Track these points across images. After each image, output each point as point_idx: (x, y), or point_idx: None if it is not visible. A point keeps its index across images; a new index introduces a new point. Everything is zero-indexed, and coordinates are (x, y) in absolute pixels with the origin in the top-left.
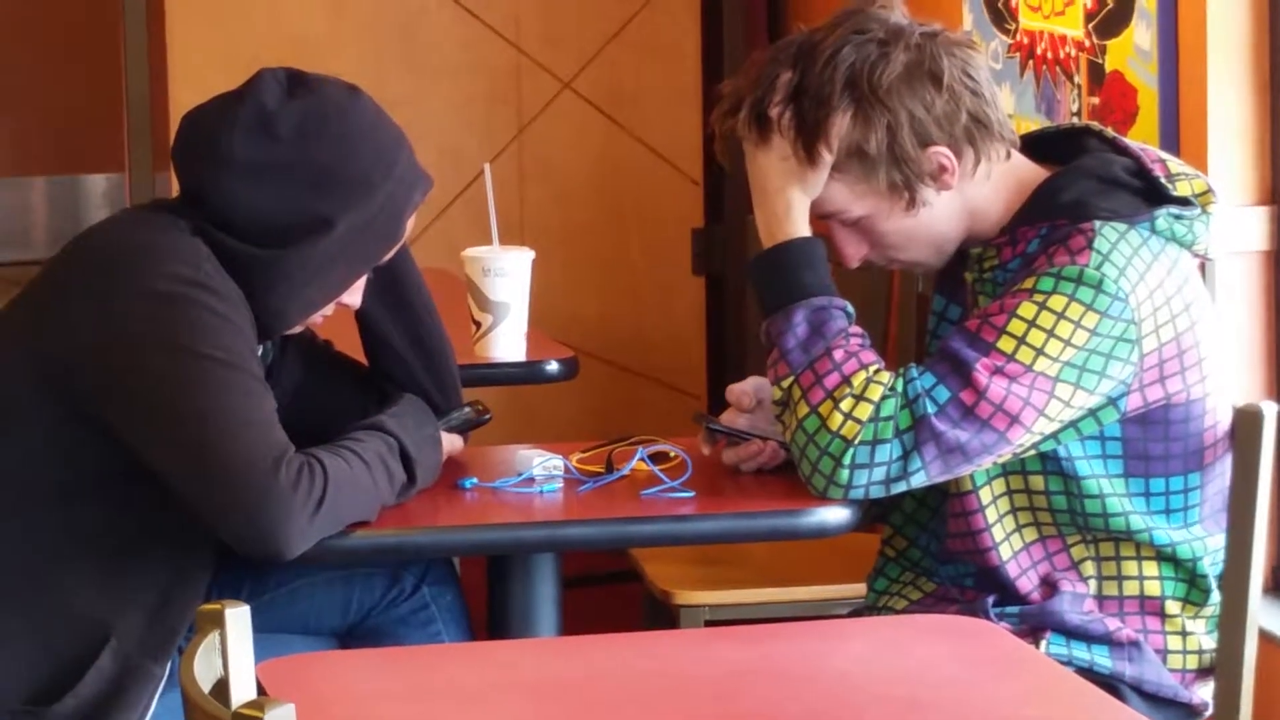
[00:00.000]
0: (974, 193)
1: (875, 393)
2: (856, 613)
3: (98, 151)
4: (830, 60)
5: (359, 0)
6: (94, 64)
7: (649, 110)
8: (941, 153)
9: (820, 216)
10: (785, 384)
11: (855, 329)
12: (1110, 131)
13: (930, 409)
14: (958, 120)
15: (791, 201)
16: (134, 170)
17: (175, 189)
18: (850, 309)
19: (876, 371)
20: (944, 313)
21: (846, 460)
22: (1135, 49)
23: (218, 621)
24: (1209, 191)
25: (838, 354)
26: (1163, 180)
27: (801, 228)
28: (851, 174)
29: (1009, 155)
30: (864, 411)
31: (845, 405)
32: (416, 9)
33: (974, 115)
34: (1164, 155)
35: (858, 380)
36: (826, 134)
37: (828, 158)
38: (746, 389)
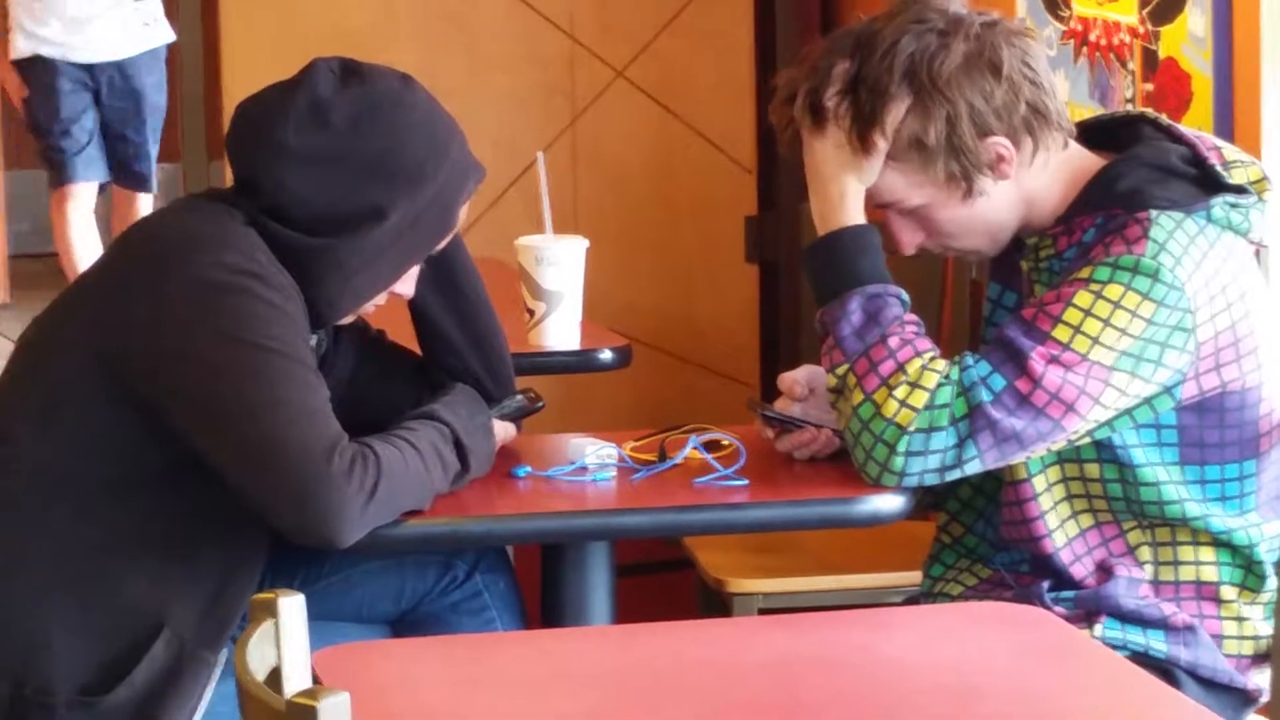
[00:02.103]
0: (1031, 182)
1: (930, 380)
2: (911, 600)
3: None
4: (889, 50)
5: None
6: None
7: (702, 98)
8: (1000, 143)
9: (877, 205)
10: (840, 371)
11: (910, 316)
12: (1165, 119)
13: (986, 396)
14: (1016, 110)
15: (846, 189)
16: (188, 160)
17: (229, 178)
18: (905, 296)
19: (932, 359)
20: (999, 300)
21: (901, 447)
22: (1189, 35)
23: (272, 611)
24: (1264, 179)
25: (893, 341)
26: (1218, 168)
27: (856, 215)
28: (909, 164)
29: (1066, 145)
30: (919, 399)
31: (900, 393)
32: (472, 1)
33: (1032, 105)
34: (1219, 142)
35: (913, 367)
36: (882, 123)
37: (883, 146)
38: (799, 377)
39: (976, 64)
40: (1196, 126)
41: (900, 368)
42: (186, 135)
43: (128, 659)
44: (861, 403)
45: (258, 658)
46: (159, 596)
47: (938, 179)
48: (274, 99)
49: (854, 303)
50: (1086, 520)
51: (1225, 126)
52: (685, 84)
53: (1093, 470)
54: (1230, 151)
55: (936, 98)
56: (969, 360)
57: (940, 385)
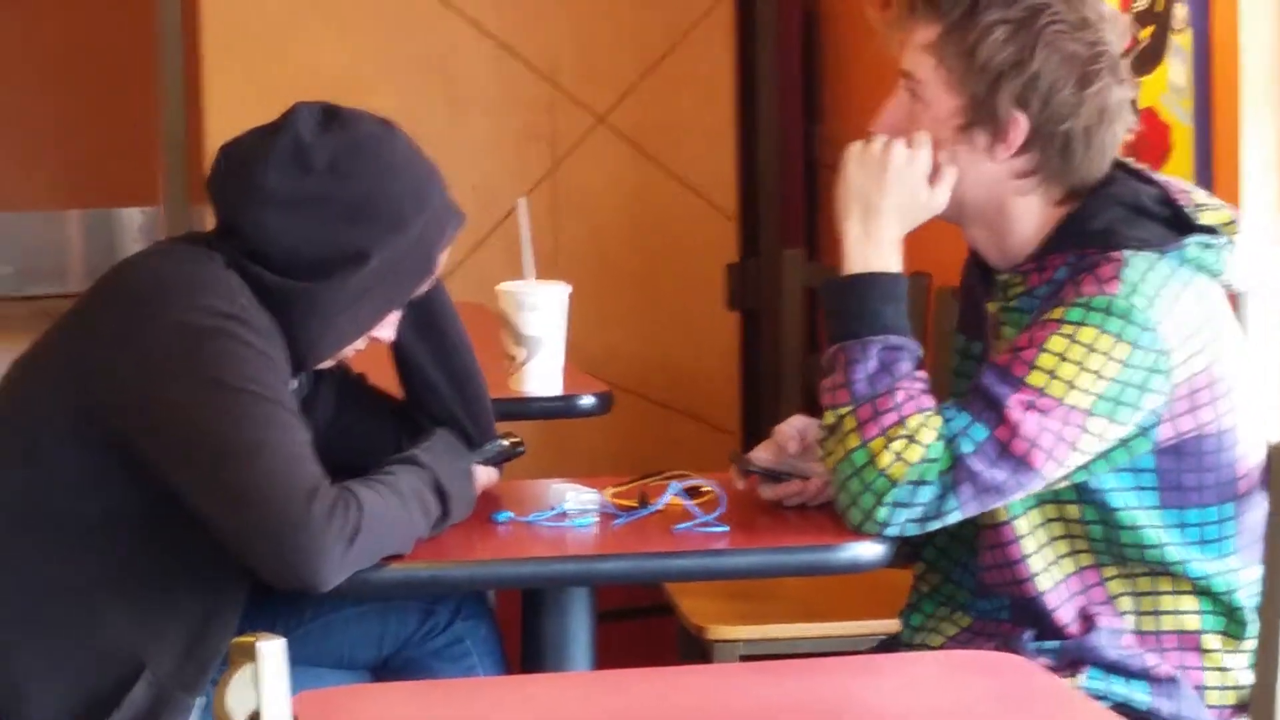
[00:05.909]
0: (1011, 196)
1: (926, 436)
2: (886, 646)
3: (133, 185)
4: None
5: (395, 36)
6: (130, 98)
7: (683, 145)
8: (1020, 120)
9: (901, 71)
10: (842, 411)
11: (920, 373)
12: (1134, 163)
13: (968, 448)
14: (1058, 123)
15: (897, 235)
16: (169, 203)
17: (211, 222)
18: (920, 353)
19: (930, 417)
20: (966, 350)
21: (889, 499)
22: (1169, 85)
23: (251, 654)
24: (1233, 222)
25: (899, 395)
26: (1189, 210)
27: (896, 263)
28: (954, 63)
29: (1049, 197)
30: (914, 454)
31: (897, 446)
32: (452, 45)
33: (1069, 136)
34: (1187, 186)
35: (913, 423)
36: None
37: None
38: (792, 433)
39: (1074, 63)
40: (1177, 176)
41: (901, 421)
42: (167, 179)
43: (108, 701)
44: (856, 448)
45: (237, 702)
46: (139, 638)
47: (958, 92)
48: (255, 142)
49: (874, 349)
50: (1069, 565)
51: (1205, 176)
52: (666, 130)
53: (1073, 511)
54: (1199, 195)
55: (1030, 44)
56: (949, 412)
57: (933, 442)
